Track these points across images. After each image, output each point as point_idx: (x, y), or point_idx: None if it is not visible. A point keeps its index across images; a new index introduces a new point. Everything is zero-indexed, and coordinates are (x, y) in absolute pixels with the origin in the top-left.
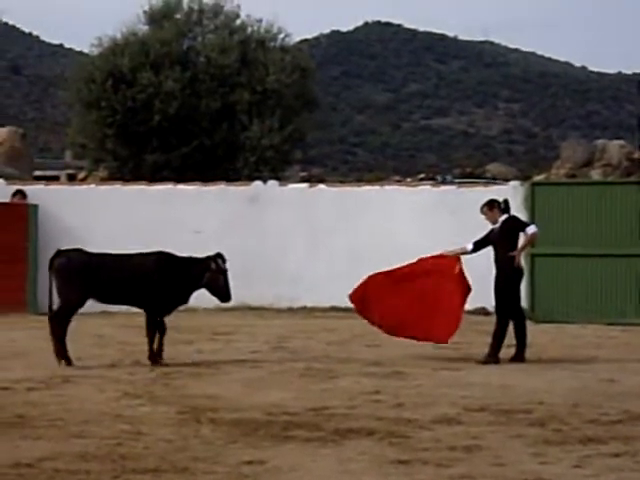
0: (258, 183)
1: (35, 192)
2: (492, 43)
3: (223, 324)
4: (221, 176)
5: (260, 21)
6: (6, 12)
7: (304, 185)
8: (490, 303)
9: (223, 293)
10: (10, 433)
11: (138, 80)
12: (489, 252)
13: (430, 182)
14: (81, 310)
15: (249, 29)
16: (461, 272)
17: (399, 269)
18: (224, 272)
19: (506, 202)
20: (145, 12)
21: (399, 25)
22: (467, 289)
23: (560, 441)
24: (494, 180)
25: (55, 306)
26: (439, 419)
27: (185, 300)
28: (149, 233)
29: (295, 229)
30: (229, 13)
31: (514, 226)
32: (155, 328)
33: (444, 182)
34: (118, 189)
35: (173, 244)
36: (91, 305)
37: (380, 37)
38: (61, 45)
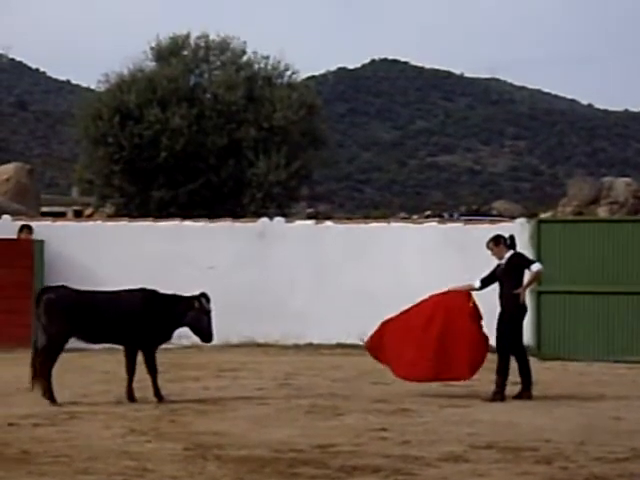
0: (265, 220)
1: (41, 228)
2: (498, 80)
3: (229, 361)
4: (228, 212)
5: (267, 58)
6: (12, 48)
7: (311, 222)
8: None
9: (205, 333)
10: (16, 469)
11: (145, 116)
12: (494, 289)
13: (437, 219)
14: (87, 346)
15: (256, 66)
16: (475, 306)
17: (411, 310)
18: (207, 312)
19: (512, 238)
20: (152, 48)
21: (406, 62)
22: (481, 323)
23: (567, 479)
24: (500, 217)
25: (40, 344)
26: (446, 457)
27: (168, 337)
28: (156, 270)
29: (302, 265)
30: (236, 50)
31: (519, 263)
32: (134, 366)
33: (451, 219)
34: (125, 225)
35: (181, 281)
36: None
37: (387, 74)
38: (68, 81)
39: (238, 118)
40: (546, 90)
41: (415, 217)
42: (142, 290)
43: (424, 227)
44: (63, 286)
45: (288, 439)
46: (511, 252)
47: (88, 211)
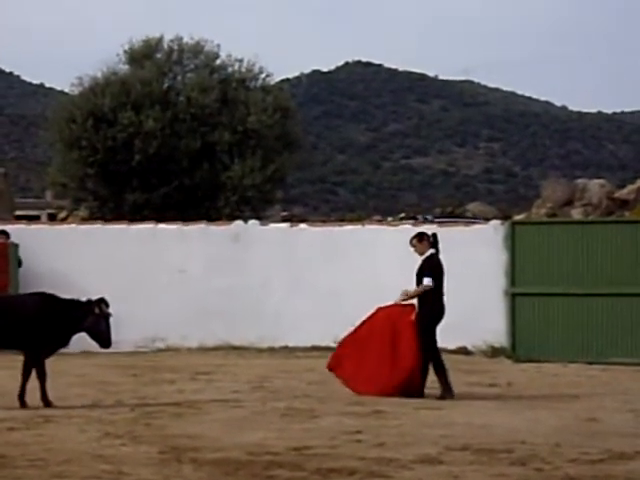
0: (239, 222)
1: (16, 232)
2: (472, 82)
3: (204, 364)
4: (202, 215)
5: (241, 61)
6: None
7: (285, 225)
8: (471, 342)
9: (104, 338)
10: None
11: (119, 120)
12: (475, 288)
13: (411, 221)
14: (62, 350)
15: (229, 69)
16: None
17: (361, 326)
18: (107, 317)
19: (434, 236)
20: (126, 52)
21: (380, 65)
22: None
23: None
24: (474, 219)
25: None
26: (420, 459)
27: (65, 343)
28: (131, 272)
29: (277, 268)
30: (209, 53)
31: (432, 266)
32: (31, 369)
33: (425, 221)
34: (99, 228)
35: (154, 283)
36: (74, 345)
37: (361, 77)
38: (42, 85)
39: (212, 121)
40: (520, 92)
41: (389, 219)
42: (40, 294)
43: (398, 229)
44: None
45: (263, 442)
46: (431, 251)
47: (62, 214)
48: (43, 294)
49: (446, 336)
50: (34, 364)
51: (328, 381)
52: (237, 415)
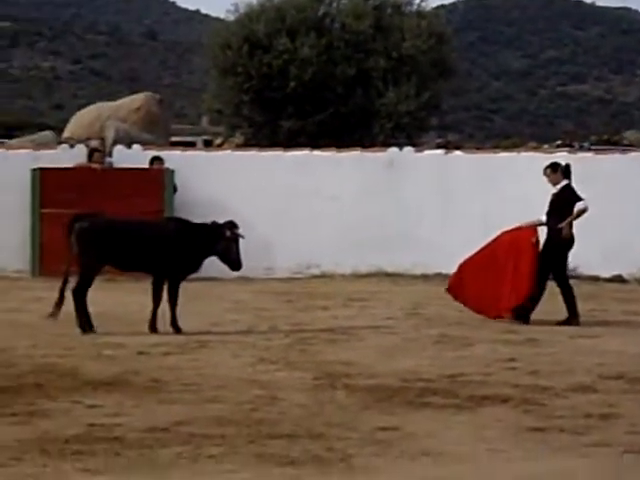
0: (394, 149)
1: (172, 158)
2: (629, 9)
3: (358, 290)
4: (356, 143)
5: None
6: None
7: (440, 152)
8: (626, 271)
9: (236, 261)
10: (146, 397)
11: (274, 46)
12: (631, 216)
13: (567, 149)
14: (218, 275)
15: None
16: (538, 243)
17: (483, 250)
18: (237, 240)
19: (567, 167)
20: None
21: None
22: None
23: None
24: (631, 147)
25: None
26: (574, 387)
27: (197, 268)
28: (285, 199)
29: (430, 195)
30: None
31: (570, 196)
32: (161, 294)
33: (581, 149)
34: (254, 155)
35: (309, 210)
36: (226, 271)
37: (517, 3)
38: (197, 11)
39: (366, 48)
40: None
41: (545, 147)
42: (176, 219)
43: (554, 157)
44: (96, 213)
45: (417, 368)
46: (565, 182)
47: (218, 141)
48: (178, 219)
49: (601, 264)
50: (170, 289)
51: None
52: (390, 342)
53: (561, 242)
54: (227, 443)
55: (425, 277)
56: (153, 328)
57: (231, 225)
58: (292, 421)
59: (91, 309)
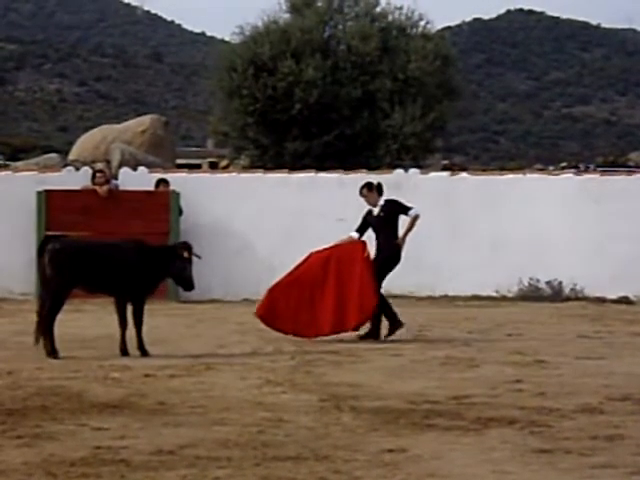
0: (400, 171)
1: (177, 180)
2: (635, 31)
3: None
4: (362, 164)
5: (400, 8)
6: (148, 0)
7: (446, 173)
8: (633, 292)
9: (189, 282)
10: (152, 420)
11: (279, 68)
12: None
13: (573, 170)
14: (223, 298)
15: (390, 16)
16: (369, 257)
17: (293, 272)
18: (191, 261)
19: (379, 185)
20: (286, 0)
21: (542, 13)
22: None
23: None
24: (637, 168)
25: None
26: (581, 408)
27: (155, 288)
28: (290, 221)
29: (437, 217)
30: (369, 1)
31: (394, 209)
32: (141, 316)
33: (587, 170)
34: (260, 177)
35: (314, 232)
36: (235, 293)
37: (522, 25)
38: (203, 33)
39: (372, 69)
40: None
41: (551, 168)
42: (134, 241)
43: (560, 178)
44: (64, 235)
45: (423, 390)
46: (384, 199)
47: (223, 163)
48: (135, 240)
49: (607, 286)
50: (135, 311)
51: (488, 330)
52: (396, 364)
53: (392, 256)
54: (233, 465)
55: (431, 299)
56: (124, 352)
57: (185, 246)
58: (298, 443)
59: (99, 332)
